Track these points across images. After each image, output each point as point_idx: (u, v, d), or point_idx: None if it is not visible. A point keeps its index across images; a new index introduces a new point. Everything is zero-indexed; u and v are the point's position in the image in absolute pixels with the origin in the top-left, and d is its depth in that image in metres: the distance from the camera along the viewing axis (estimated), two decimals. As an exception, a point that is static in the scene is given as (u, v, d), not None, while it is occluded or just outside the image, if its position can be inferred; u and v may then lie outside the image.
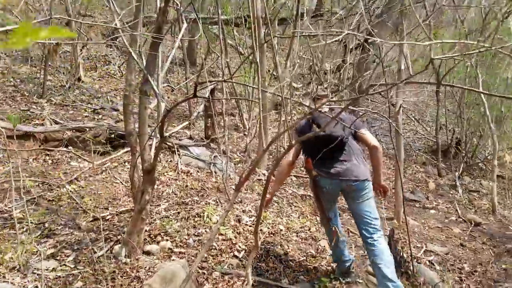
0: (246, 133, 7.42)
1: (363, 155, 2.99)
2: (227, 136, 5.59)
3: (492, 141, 5.42)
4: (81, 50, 8.78)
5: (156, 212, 3.65)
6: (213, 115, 5.40)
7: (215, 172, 4.89)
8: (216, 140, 5.40)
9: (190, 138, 5.20)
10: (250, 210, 4.08)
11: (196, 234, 3.39)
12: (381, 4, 10.53)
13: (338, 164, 2.87)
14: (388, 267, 2.71)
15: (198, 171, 4.72)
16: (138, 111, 2.84)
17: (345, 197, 3.01)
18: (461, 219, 5.01)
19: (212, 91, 5.34)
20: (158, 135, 2.57)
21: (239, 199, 4.32)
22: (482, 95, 5.17)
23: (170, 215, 3.63)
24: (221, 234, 3.40)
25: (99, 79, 8.66)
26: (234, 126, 7.75)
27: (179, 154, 4.77)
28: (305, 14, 8.10)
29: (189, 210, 3.78)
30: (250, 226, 3.73)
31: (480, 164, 7.90)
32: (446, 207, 5.44)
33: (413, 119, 10.84)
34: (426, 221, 4.90)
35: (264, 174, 5.30)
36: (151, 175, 2.83)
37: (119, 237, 3.16)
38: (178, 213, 3.70)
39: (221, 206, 4.04)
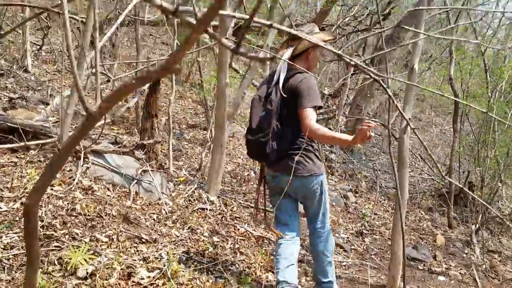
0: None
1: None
2: (171, 142, 4.14)
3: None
4: (42, 39, 7.51)
5: (-16, 249, 2.16)
6: (154, 115, 3.98)
7: (136, 193, 3.42)
8: (152, 148, 3.95)
9: (115, 142, 3.75)
10: (161, 257, 2.59)
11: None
12: (391, 23, 9.31)
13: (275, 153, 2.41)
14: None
15: (108, 189, 3.25)
16: None
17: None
18: (484, 295, 3.49)
19: (155, 83, 3.93)
20: None
21: (153, 237, 2.83)
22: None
23: (5, 257, 2.14)
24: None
25: (53, 73, 7.32)
26: (201, 141, 6.31)
27: (86, 162, 3.32)
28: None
29: (50, 250, 2.29)
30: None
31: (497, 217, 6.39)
32: (460, 273, 3.91)
33: (419, 157, 9.38)
34: (433, 294, 3.38)
35: (212, 202, 3.83)
36: None
37: None
38: (25, 255, 2.21)
39: (116, 247, 2.56)
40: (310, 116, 2.27)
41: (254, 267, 2.96)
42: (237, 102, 4.04)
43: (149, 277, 2.27)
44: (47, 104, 5.12)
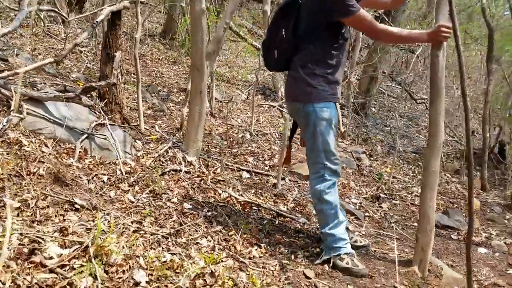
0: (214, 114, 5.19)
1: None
2: (140, 92, 3.37)
3: None
4: (18, 3, 6.72)
5: None
6: (113, 54, 3.18)
7: (86, 150, 2.66)
8: (115, 99, 3.17)
9: (65, 90, 2.98)
10: (95, 228, 1.83)
11: None
12: None
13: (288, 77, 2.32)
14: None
15: (46, 145, 2.50)
16: None
17: None
18: (540, 270, 2.67)
19: (115, 14, 3.12)
20: None
21: (93, 202, 2.07)
22: None
23: None
24: None
25: (29, 37, 6.52)
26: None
27: (20, 111, 2.55)
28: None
29: None
30: None
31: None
32: (505, 242, 3.10)
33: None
34: (474, 270, 2.58)
35: (189, 163, 3.06)
36: None
37: None
38: None
39: (31, 215, 1.81)
40: (366, 18, 2.01)
41: (234, 239, 2.19)
42: (218, 36, 3.21)
43: (60, 255, 1.52)
44: (5, 60, 4.37)
